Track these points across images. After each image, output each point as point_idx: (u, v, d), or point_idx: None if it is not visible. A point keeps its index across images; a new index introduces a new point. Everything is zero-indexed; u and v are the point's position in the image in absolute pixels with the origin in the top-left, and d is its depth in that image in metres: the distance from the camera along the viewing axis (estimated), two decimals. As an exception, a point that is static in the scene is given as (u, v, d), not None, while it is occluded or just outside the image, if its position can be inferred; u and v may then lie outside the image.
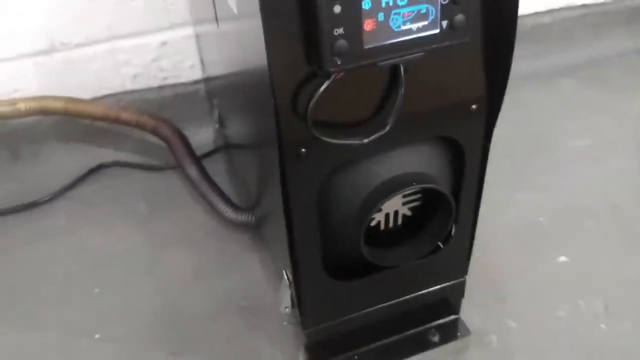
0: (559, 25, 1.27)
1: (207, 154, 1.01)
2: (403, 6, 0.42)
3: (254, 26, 0.42)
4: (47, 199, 0.96)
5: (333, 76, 0.44)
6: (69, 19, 0.89)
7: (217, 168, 0.96)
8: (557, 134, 1.06)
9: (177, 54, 0.99)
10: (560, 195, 0.93)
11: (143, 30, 0.94)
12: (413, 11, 0.43)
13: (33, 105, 0.87)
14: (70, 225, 0.93)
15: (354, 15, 0.41)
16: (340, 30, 0.41)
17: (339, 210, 0.53)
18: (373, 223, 0.56)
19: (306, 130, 0.46)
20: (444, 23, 0.44)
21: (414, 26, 0.44)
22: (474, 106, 0.52)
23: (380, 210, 0.54)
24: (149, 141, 1.04)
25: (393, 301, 0.63)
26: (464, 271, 0.66)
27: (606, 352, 0.69)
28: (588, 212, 0.89)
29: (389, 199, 0.51)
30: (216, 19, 0.62)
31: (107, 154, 1.03)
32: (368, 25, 0.42)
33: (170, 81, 1.01)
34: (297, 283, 0.57)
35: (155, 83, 1.00)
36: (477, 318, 0.72)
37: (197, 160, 0.90)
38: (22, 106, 0.87)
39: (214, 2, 0.61)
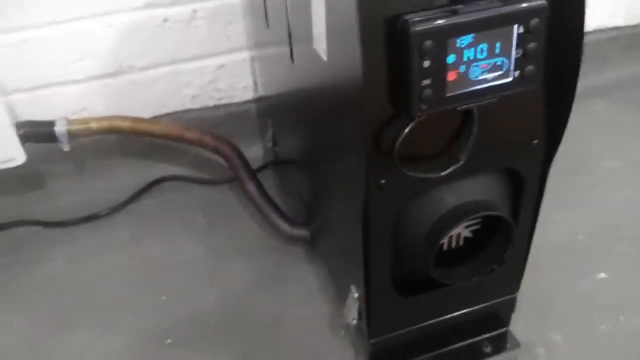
0: (591, 47, 1.31)
1: (258, 170, 1.07)
2: (482, 59, 0.48)
3: (351, 76, 0.48)
4: (108, 211, 1.03)
5: (417, 118, 0.49)
6: (138, 44, 0.96)
7: (266, 183, 1.02)
8: (591, 155, 1.11)
9: (232, 76, 1.05)
10: (596, 215, 0.97)
11: (203, 54, 1.01)
12: (490, 63, 0.49)
13: (103, 124, 0.94)
14: (133, 236, 0.99)
15: (439, 68, 0.47)
16: (427, 81, 0.47)
17: (410, 233, 0.59)
18: (437, 244, 0.61)
19: (387, 162, 0.52)
20: (516, 73, 0.50)
21: (490, 76, 0.49)
22: (535, 141, 0.57)
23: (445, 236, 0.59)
24: (204, 157, 1.10)
25: (451, 314, 0.69)
26: (516, 288, 0.71)
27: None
28: (624, 232, 0.93)
29: (459, 225, 0.57)
30: (292, 57, 0.68)
31: (165, 169, 1.10)
32: (451, 76, 0.48)
33: (224, 101, 1.08)
34: (367, 298, 0.63)
35: (211, 103, 1.07)
36: (525, 331, 0.77)
37: (255, 176, 0.96)
38: (93, 125, 0.93)
39: (290, 43, 0.67)
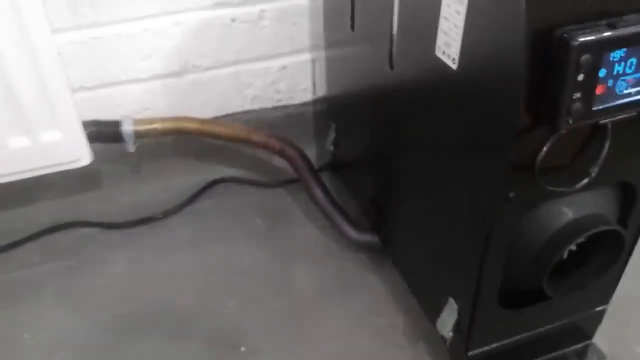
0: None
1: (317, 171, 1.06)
2: (629, 74, 0.47)
3: (500, 89, 0.47)
4: (166, 214, 1.01)
5: (560, 132, 0.48)
6: (204, 44, 0.94)
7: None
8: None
9: (294, 78, 1.03)
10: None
11: (267, 55, 0.99)
12: (635, 78, 0.48)
13: (169, 125, 0.92)
14: (193, 239, 0.98)
15: (591, 82, 0.46)
16: (578, 95, 0.46)
17: (524, 247, 0.58)
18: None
19: (520, 175, 0.51)
20: (661, 87, 0.49)
21: (634, 90, 0.48)
22: (655, 156, 0.57)
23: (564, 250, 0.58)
24: (259, 159, 1.09)
25: (546, 327, 0.68)
26: (608, 299, 0.70)
27: None
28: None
29: (579, 239, 0.56)
30: (391, 65, 0.67)
31: (220, 171, 1.08)
32: (599, 90, 0.47)
33: (283, 102, 1.06)
34: (473, 312, 0.62)
35: (270, 104, 1.05)
36: (606, 343, 0.76)
37: (320, 180, 0.95)
38: (159, 126, 0.92)
39: (391, 48, 0.65)
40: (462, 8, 0.50)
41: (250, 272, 0.92)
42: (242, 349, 0.80)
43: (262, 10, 0.94)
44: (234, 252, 0.95)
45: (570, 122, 0.47)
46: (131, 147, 0.91)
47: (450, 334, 0.67)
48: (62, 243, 0.97)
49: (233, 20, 0.94)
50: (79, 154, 0.87)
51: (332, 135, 1.01)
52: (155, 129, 0.92)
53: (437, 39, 0.55)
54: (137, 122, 0.91)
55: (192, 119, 0.94)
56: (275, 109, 1.06)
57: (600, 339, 0.76)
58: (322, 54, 1.01)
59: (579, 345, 0.73)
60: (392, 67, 0.67)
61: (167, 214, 1.01)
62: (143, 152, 1.01)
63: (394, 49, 0.66)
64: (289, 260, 0.94)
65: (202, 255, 0.95)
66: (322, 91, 1.07)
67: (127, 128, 0.90)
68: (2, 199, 0.97)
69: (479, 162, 0.53)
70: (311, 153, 1.12)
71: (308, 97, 1.07)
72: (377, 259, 0.91)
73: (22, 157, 0.84)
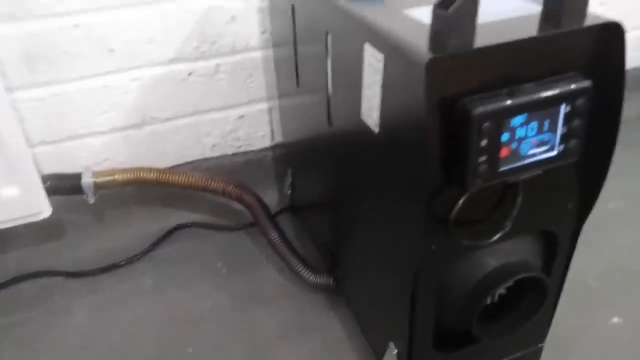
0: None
1: (274, 215, 1.09)
2: (532, 136, 0.52)
3: (411, 152, 0.51)
4: (130, 260, 1.03)
5: (470, 191, 0.52)
6: (162, 97, 0.98)
7: (282, 228, 1.04)
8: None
9: (251, 126, 1.07)
10: (603, 257, 1.01)
11: (224, 105, 1.03)
12: (538, 139, 0.52)
13: (129, 176, 0.95)
14: (155, 285, 1.00)
15: (494, 146, 0.50)
16: (483, 158, 0.50)
17: (452, 294, 0.62)
18: (474, 301, 0.64)
19: (438, 230, 0.55)
20: (561, 147, 0.53)
21: (537, 150, 0.53)
22: (569, 205, 0.61)
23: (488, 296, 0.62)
24: (219, 203, 1.12)
25: (485, 367, 0.71)
26: (543, 338, 0.74)
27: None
28: (632, 274, 0.98)
29: (502, 286, 0.60)
30: (329, 120, 0.71)
31: (182, 216, 1.11)
32: (504, 152, 0.51)
33: (243, 149, 1.10)
34: (409, 356, 0.65)
35: (230, 151, 1.09)
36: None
37: (276, 224, 0.98)
38: (118, 177, 0.95)
39: (329, 109, 0.70)
40: (379, 78, 0.54)
41: (211, 317, 0.94)
42: (199, 396, 0.82)
43: (218, 65, 0.99)
44: (195, 297, 0.97)
45: (478, 183, 0.51)
46: (91, 199, 0.94)
47: (393, 376, 0.69)
48: (27, 293, 0.99)
49: (189, 74, 0.98)
50: (39, 207, 0.89)
51: (289, 179, 1.05)
52: (114, 180, 0.95)
53: (362, 104, 0.59)
54: (96, 174, 0.94)
55: (151, 170, 0.97)
56: (235, 155, 1.10)
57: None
58: (277, 102, 1.06)
59: (521, 381, 0.77)
60: (330, 123, 0.71)
61: (130, 261, 1.04)
62: (106, 200, 1.04)
63: (331, 108, 0.70)
64: (249, 303, 0.96)
65: (164, 301, 0.97)
66: (280, 137, 1.11)
67: (87, 180, 0.93)
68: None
69: (403, 217, 0.57)
70: (272, 196, 1.16)
71: (267, 143, 1.12)
72: (334, 299, 0.94)
73: (-17, 212, 0.87)
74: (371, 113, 0.57)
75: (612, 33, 0.51)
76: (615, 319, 0.90)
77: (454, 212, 0.53)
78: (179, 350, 0.89)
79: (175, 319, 0.94)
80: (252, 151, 1.11)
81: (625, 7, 1.21)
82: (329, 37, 0.65)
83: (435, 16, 0.47)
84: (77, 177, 0.93)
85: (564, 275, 0.68)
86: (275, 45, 0.96)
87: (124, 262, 1.03)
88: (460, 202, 0.53)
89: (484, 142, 0.49)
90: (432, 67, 0.45)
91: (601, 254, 1.02)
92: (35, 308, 0.96)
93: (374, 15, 0.56)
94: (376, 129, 0.57)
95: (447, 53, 0.46)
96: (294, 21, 0.78)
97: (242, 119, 1.06)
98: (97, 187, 0.94)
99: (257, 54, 1.00)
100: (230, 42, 0.98)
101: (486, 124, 0.49)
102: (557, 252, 0.64)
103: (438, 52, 0.46)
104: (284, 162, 1.08)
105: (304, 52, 0.78)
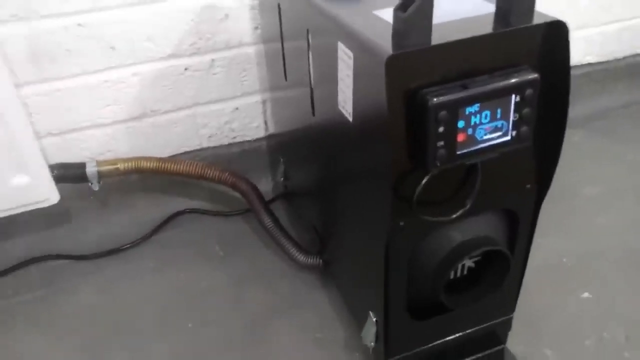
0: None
1: (269, 202, 1.16)
2: (486, 123, 0.58)
3: (378, 139, 0.58)
4: (132, 244, 1.10)
5: (431, 173, 0.59)
6: (161, 91, 1.04)
7: (276, 213, 1.10)
8: (572, 183, 1.22)
9: (246, 117, 1.14)
10: (578, 239, 1.08)
11: (220, 98, 1.10)
12: (492, 126, 0.58)
13: (130, 165, 1.02)
14: (157, 267, 1.07)
15: (451, 132, 0.56)
16: (441, 143, 0.57)
17: (423, 266, 0.68)
18: (444, 274, 0.71)
19: (406, 208, 0.61)
20: (513, 133, 0.59)
21: (492, 136, 0.59)
22: (528, 186, 0.67)
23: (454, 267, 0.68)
24: (217, 190, 1.19)
25: (456, 335, 0.78)
26: (512, 310, 0.81)
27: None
28: (604, 254, 1.04)
29: (465, 258, 0.66)
30: (313, 111, 0.77)
31: (182, 203, 1.18)
32: (460, 137, 0.57)
33: (238, 139, 1.16)
34: (386, 323, 0.71)
35: (226, 141, 1.15)
36: (519, 347, 0.86)
37: (270, 210, 1.05)
38: (121, 166, 1.02)
39: (312, 101, 0.76)
40: (350, 72, 0.60)
41: (209, 295, 1.01)
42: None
43: (213, 60, 1.05)
44: (194, 277, 1.04)
45: (438, 165, 0.58)
46: (96, 186, 1.01)
47: (372, 343, 0.76)
48: (36, 274, 1.06)
49: (186, 69, 1.04)
50: (47, 194, 0.96)
51: (281, 168, 1.11)
52: (117, 169, 1.02)
53: (338, 95, 0.65)
54: (100, 163, 1.01)
55: (151, 159, 1.04)
56: (230, 145, 1.17)
57: (515, 342, 0.86)
58: (269, 95, 1.12)
59: (493, 350, 0.83)
60: (313, 114, 0.78)
61: (133, 245, 1.11)
62: (110, 188, 1.11)
63: (314, 100, 0.76)
64: (245, 282, 1.03)
65: (165, 281, 1.04)
66: (273, 128, 1.17)
67: (91, 169, 1.00)
68: (-21, 236, 1.06)
69: (374, 197, 0.64)
70: (267, 184, 1.22)
71: (261, 133, 1.18)
72: (323, 279, 1.01)
73: (-4, 199, 0.94)
74: (345, 104, 0.64)
75: (557, 30, 0.57)
76: (586, 294, 0.97)
77: (417, 191, 0.59)
78: (179, 325, 0.96)
79: (175, 297, 1.01)
80: (247, 141, 1.18)
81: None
82: (309, 35, 0.72)
83: (395, 17, 0.54)
84: (82, 166, 1.00)
85: (527, 251, 0.74)
86: (266, 41, 1.02)
87: (127, 246, 1.10)
88: (423, 182, 0.59)
89: (441, 129, 0.56)
90: (391, 63, 0.52)
91: (576, 236, 1.09)
92: (44, 288, 1.03)
93: (346, 15, 0.62)
94: (350, 119, 0.64)
95: (405, 50, 0.53)
96: (280, 19, 0.84)
97: (237, 111, 1.13)
98: (101, 175, 1.01)
99: (250, 49, 1.07)
100: (224, 38, 1.04)
101: (442, 113, 0.55)
102: (519, 229, 0.71)
103: (397, 49, 0.52)
104: (277, 152, 1.15)
105: (290, 48, 0.84)
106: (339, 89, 0.65)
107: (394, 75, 0.53)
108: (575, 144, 1.34)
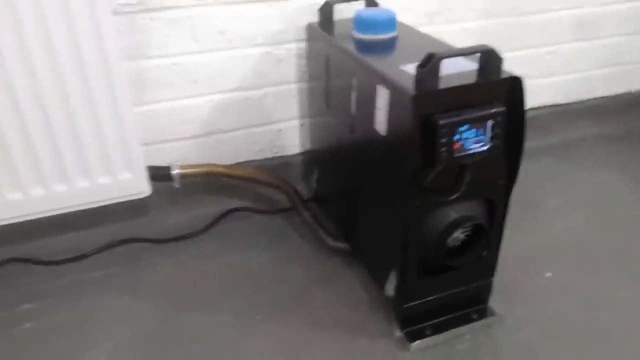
0: (540, 118, 1.79)
1: (305, 202, 1.47)
2: (472, 137, 0.90)
3: (404, 147, 0.90)
4: (197, 233, 1.41)
5: (437, 169, 0.91)
6: (227, 114, 1.37)
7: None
8: (541, 196, 1.55)
9: (287, 137, 1.47)
10: (544, 236, 1.39)
11: (269, 121, 1.42)
12: (476, 140, 0.91)
13: (205, 169, 1.34)
14: (217, 251, 1.37)
15: (450, 142, 0.89)
16: (444, 149, 0.89)
17: (429, 235, 1.00)
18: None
19: (419, 192, 0.93)
20: (490, 145, 0.92)
21: (476, 146, 0.92)
22: (500, 182, 1.00)
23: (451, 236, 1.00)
24: (264, 193, 1.50)
25: (452, 290, 1.09)
26: (492, 275, 1.12)
27: (584, 331, 1.14)
28: (563, 247, 1.36)
29: (459, 229, 0.98)
30: (352, 130, 1.10)
31: (234, 202, 1.49)
32: (456, 146, 0.90)
33: (280, 154, 1.49)
34: (402, 278, 1.03)
35: (270, 155, 1.48)
36: (497, 307, 1.17)
37: (307, 206, 1.36)
38: (198, 170, 1.33)
39: (352, 122, 1.09)
40: (386, 103, 0.93)
41: (258, 272, 1.30)
42: (258, 316, 1.18)
43: (266, 93, 1.38)
44: (246, 259, 1.34)
45: (442, 163, 0.90)
46: (177, 184, 1.32)
47: (392, 294, 1.07)
48: (121, 254, 1.35)
49: (247, 99, 1.37)
50: (143, 188, 1.27)
51: (315, 176, 1.43)
52: (195, 172, 1.33)
53: (375, 118, 0.98)
54: (182, 167, 1.32)
55: (218, 165, 1.35)
56: (273, 158, 1.49)
57: (496, 304, 1.16)
58: (307, 120, 1.45)
59: (478, 307, 1.14)
60: (352, 132, 1.11)
61: (197, 233, 1.41)
62: (179, 188, 1.42)
63: (354, 121, 1.09)
64: (285, 263, 1.33)
65: (224, 261, 1.34)
66: (307, 146, 1.50)
67: (175, 171, 1.31)
68: (80, 223, 1.36)
69: (398, 186, 0.96)
70: (301, 190, 1.54)
71: (297, 150, 1.51)
72: (349, 261, 1.31)
73: (105, 190, 1.24)
74: (381, 124, 0.96)
75: (517, 81, 0.90)
76: (549, 274, 1.28)
77: (428, 180, 0.92)
78: (238, 292, 1.25)
79: (233, 273, 1.30)
80: (287, 155, 1.50)
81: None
82: (354, 79, 1.05)
83: (417, 71, 0.87)
84: (168, 168, 1.31)
85: (502, 229, 1.06)
86: (310, 79, 1.36)
87: (193, 234, 1.40)
88: (431, 175, 0.92)
89: (444, 140, 0.88)
90: (414, 99, 0.85)
91: (543, 234, 1.41)
92: (128, 264, 1.32)
93: (381, 67, 0.96)
94: (384, 133, 0.96)
95: (423, 91, 0.86)
96: (327, 65, 1.18)
97: (280, 132, 1.45)
98: (182, 176, 1.32)
99: (294, 86, 1.40)
100: (276, 77, 1.37)
101: (444, 130, 0.88)
102: (495, 213, 1.03)
103: (418, 91, 0.85)
104: (311, 164, 1.47)
105: (334, 86, 1.17)
106: (375, 114, 0.98)
107: (416, 106, 0.86)
108: (545, 168, 1.68)
